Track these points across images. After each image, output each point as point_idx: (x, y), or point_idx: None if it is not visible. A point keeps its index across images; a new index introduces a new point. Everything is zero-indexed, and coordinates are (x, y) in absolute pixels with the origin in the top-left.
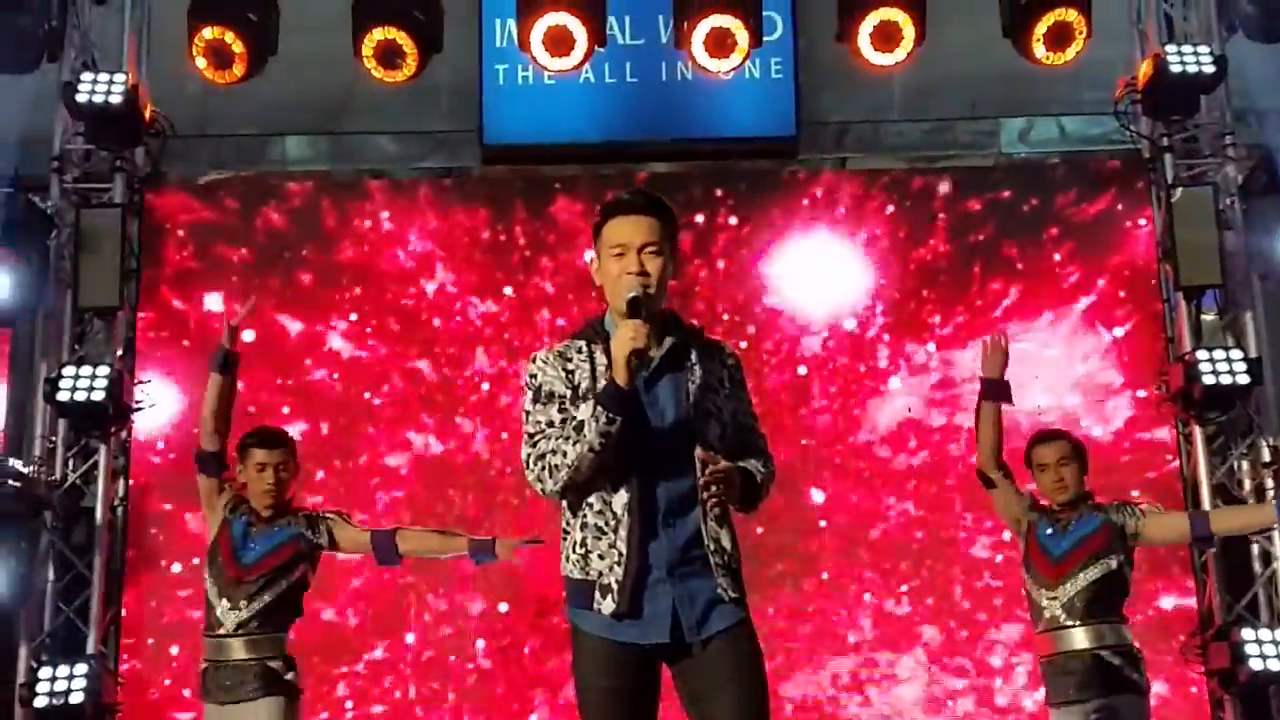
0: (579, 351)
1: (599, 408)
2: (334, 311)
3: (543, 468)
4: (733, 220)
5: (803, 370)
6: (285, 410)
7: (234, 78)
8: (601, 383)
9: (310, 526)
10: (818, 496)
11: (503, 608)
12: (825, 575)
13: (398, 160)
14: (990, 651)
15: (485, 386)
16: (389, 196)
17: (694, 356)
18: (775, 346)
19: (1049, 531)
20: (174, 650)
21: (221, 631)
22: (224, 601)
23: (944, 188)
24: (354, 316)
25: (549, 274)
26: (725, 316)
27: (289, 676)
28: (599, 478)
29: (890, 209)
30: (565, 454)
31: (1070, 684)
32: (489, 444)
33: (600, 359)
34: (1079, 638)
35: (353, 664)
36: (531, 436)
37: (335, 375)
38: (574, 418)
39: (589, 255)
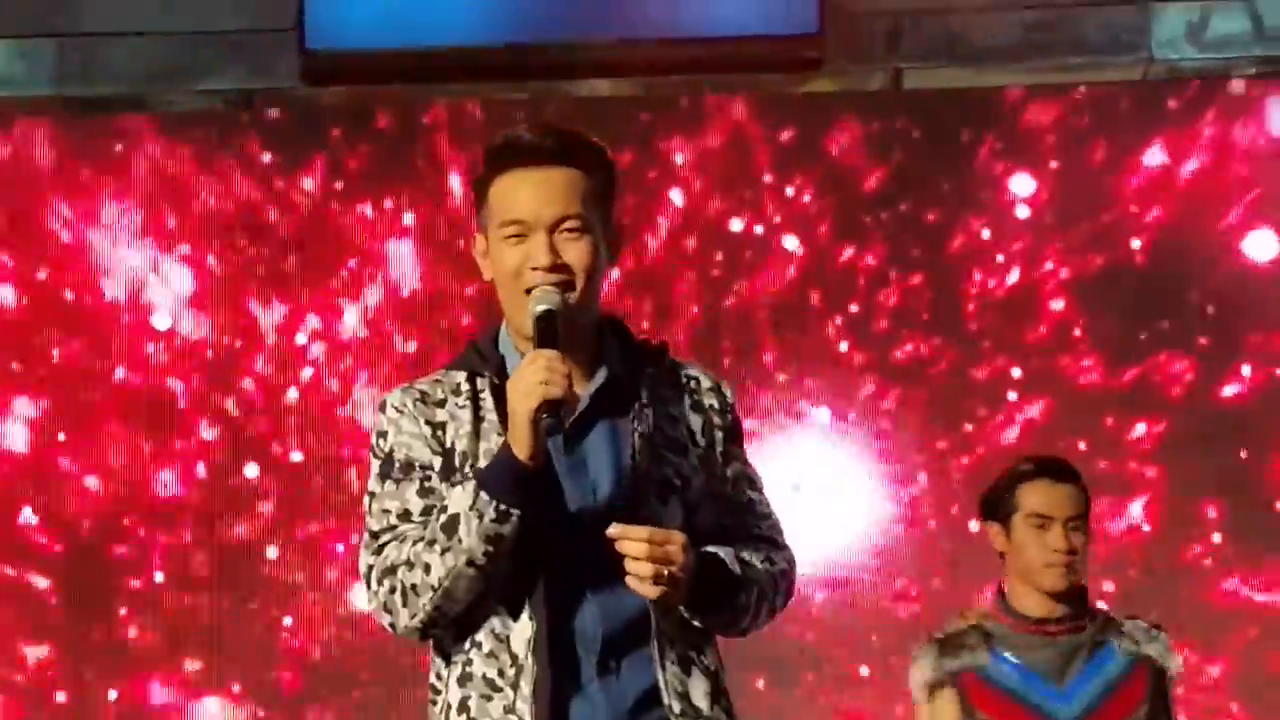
0: (454, 391)
1: (483, 494)
2: None
3: (391, 590)
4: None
5: None
6: None
7: None
8: (490, 444)
9: None
10: None
11: None
12: None
13: (163, 77)
14: None
15: None
16: (157, 136)
17: (645, 393)
18: None
19: (1029, 670)
20: None
21: None
22: None
23: (1052, 115)
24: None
25: None
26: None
27: None
28: (486, 600)
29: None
30: (428, 568)
31: None
32: None
33: (488, 403)
34: None
35: None
36: (376, 536)
37: None
38: (441, 507)
39: (480, 245)
